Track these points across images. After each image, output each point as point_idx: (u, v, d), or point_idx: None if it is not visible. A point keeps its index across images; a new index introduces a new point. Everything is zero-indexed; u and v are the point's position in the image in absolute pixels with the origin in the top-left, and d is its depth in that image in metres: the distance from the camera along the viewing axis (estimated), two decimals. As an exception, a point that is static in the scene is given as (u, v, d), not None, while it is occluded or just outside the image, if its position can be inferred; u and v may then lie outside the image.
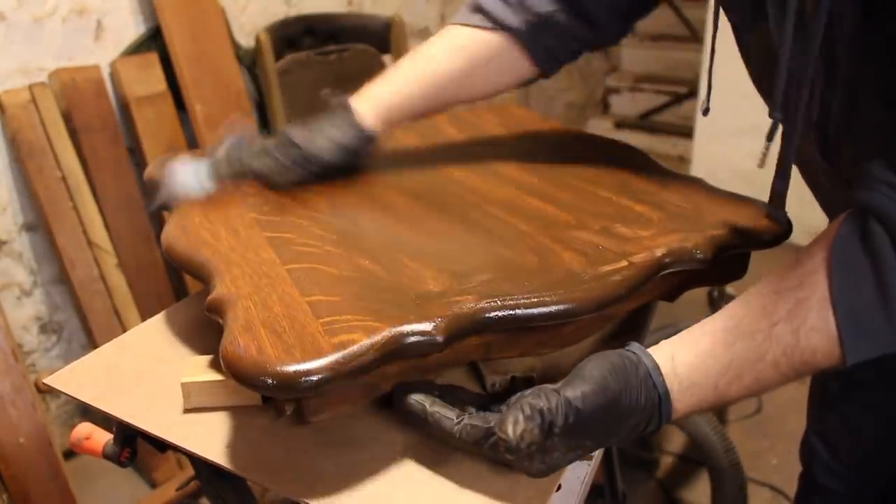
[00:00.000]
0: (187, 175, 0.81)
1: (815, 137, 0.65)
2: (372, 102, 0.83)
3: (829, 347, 0.50)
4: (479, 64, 0.82)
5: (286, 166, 0.81)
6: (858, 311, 0.49)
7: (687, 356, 0.54)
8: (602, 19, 0.81)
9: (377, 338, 0.54)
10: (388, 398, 0.61)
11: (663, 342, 0.55)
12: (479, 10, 0.82)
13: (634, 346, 0.55)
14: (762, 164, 0.61)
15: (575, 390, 0.51)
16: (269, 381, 0.51)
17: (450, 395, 0.58)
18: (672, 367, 0.53)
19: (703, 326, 0.55)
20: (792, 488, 1.62)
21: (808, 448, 0.91)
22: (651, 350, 0.55)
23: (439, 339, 0.55)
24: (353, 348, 0.53)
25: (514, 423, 0.49)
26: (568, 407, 0.50)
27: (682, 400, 0.53)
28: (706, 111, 0.74)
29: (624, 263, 0.65)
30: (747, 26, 0.68)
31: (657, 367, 0.53)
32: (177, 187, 0.80)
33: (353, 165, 0.85)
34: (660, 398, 0.53)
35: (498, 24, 0.80)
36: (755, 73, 0.72)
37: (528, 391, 0.52)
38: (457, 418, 0.54)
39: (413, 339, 0.55)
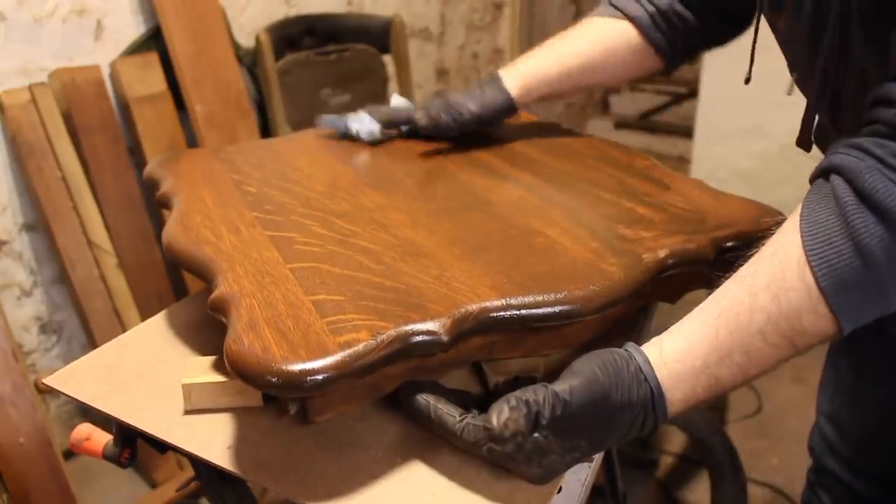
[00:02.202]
0: (358, 122, 0.97)
1: (828, 110, 0.68)
2: (517, 75, 0.94)
3: (812, 305, 0.50)
4: (610, 51, 0.91)
5: (438, 116, 0.94)
6: (833, 261, 0.49)
7: (675, 344, 0.54)
8: (706, 15, 0.89)
9: (383, 337, 0.54)
10: (390, 400, 0.61)
11: (654, 338, 0.56)
12: (610, 3, 0.92)
13: (628, 345, 0.56)
14: (790, 91, 0.71)
15: (563, 384, 0.51)
16: (274, 379, 0.51)
17: (455, 397, 0.58)
18: (661, 357, 0.54)
19: (689, 315, 0.56)
20: (792, 488, 1.63)
21: (816, 431, 0.91)
22: (643, 346, 0.55)
23: (445, 338, 0.55)
24: (359, 347, 0.53)
25: (499, 413, 0.50)
26: (555, 398, 0.50)
27: (674, 389, 0.53)
28: (748, 80, 0.78)
29: (627, 264, 0.65)
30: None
31: (647, 361, 0.54)
32: (350, 128, 0.97)
33: (493, 125, 0.97)
34: (652, 391, 0.53)
35: (624, 14, 0.90)
36: (783, 45, 0.75)
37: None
38: (459, 416, 0.55)
39: (419, 338, 0.55)
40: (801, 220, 0.52)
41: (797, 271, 0.50)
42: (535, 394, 0.51)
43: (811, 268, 0.50)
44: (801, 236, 0.51)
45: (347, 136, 0.98)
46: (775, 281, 0.51)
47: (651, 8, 0.89)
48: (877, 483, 0.85)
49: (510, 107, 0.94)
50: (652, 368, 0.53)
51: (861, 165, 0.49)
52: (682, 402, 0.54)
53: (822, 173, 0.54)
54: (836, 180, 0.51)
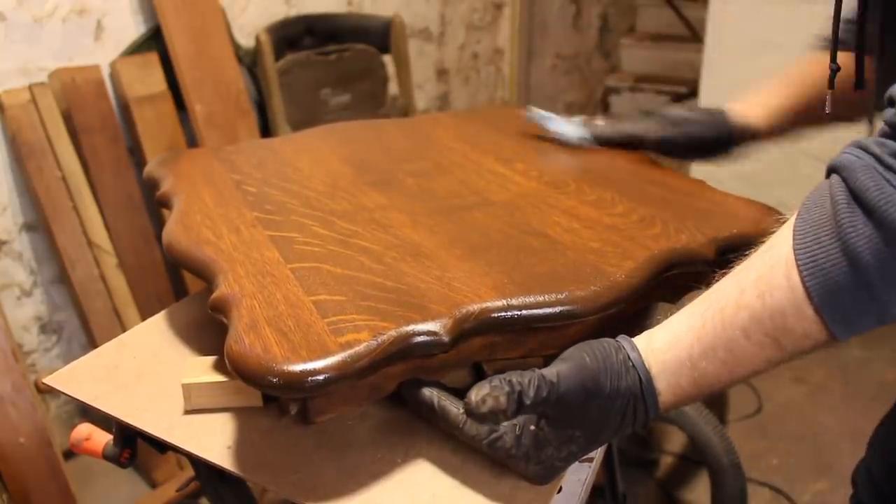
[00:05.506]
0: (569, 127, 0.99)
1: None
2: (754, 103, 0.92)
3: (797, 305, 0.48)
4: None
5: (658, 128, 0.93)
6: (820, 261, 0.47)
7: (664, 336, 0.54)
8: None
9: (383, 338, 0.54)
10: (390, 399, 0.61)
11: (646, 330, 0.56)
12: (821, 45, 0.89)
13: (619, 336, 0.56)
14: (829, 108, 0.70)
15: (551, 368, 0.52)
16: (275, 380, 0.51)
17: (457, 395, 0.58)
18: (649, 347, 0.54)
19: (682, 309, 0.55)
20: (792, 488, 1.63)
21: (863, 467, 0.87)
22: (634, 338, 0.55)
23: (445, 339, 0.55)
24: (360, 348, 0.53)
25: (478, 389, 0.50)
26: (541, 380, 0.50)
27: (660, 377, 0.53)
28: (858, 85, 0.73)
29: (628, 265, 0.65)
30: None
31: (635, 349, 0.54)
32: (559, 131, 0.99)
33: (722, 145, 0.93)
34: (640, 379, 0.53)
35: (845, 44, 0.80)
36: None
37: None
38: (463, 409, 0.55)
39: (419, 339, 0.55)
40: (796, 218, 0.51)
41: (784, 269, 0.49)
42: (521, 375, 0.51)
43: (798, 267, 0.48)
44: (793, 234, 0.50)
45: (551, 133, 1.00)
46: (762, 278, 0.50)
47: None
48: None
49: (735, 126, 0.90)
50: (640, 356, 0.53)
51: (858, 163, 0.48)
52: (668, 392, 0.53)
53: (827, 173, 0.53)
54: (834, 178, 0.50)
